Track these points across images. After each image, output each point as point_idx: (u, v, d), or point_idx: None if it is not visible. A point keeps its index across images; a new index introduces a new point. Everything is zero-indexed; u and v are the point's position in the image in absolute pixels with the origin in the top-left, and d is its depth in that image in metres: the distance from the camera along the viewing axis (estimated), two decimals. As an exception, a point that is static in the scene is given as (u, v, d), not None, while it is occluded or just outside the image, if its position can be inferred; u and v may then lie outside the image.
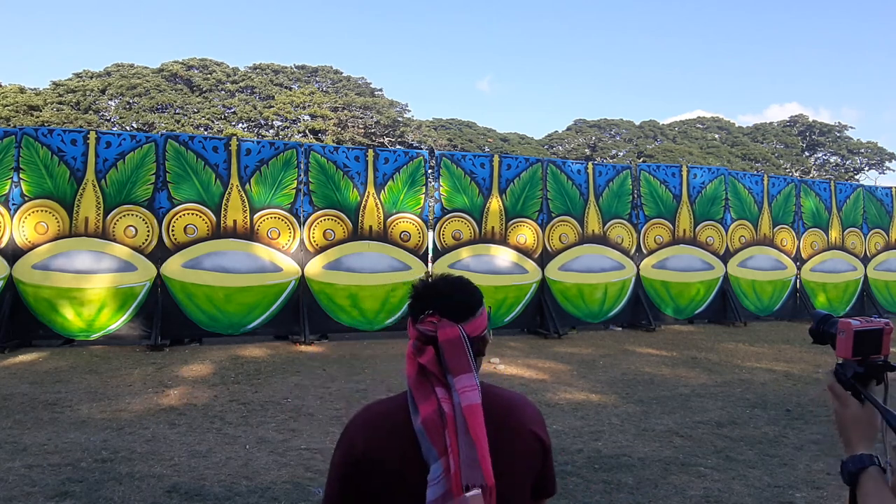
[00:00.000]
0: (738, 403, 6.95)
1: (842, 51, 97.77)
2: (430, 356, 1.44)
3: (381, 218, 10.99)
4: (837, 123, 56.31)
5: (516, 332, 11.74)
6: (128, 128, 42.05)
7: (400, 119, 48.25)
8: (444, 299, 1.50)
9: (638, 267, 12.72)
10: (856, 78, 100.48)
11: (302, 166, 10.67)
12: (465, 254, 11.42)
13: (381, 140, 45.87)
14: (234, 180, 10.24)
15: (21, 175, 9.45)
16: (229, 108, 46.12)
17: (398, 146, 43.95)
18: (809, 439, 5.65)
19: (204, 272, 10.02)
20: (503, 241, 11.70)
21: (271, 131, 45.99)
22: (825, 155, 57.08)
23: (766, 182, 14.30)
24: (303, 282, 10.52)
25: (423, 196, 11.35)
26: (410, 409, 1.43)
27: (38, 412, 6.08)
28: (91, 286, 9.54)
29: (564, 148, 55.04)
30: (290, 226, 10.53)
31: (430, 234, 11.36)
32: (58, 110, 40.87)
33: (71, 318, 9.49)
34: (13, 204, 9.42)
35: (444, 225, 11.39)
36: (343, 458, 1.48)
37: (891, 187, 15.95)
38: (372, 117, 46.87)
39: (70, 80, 44.11)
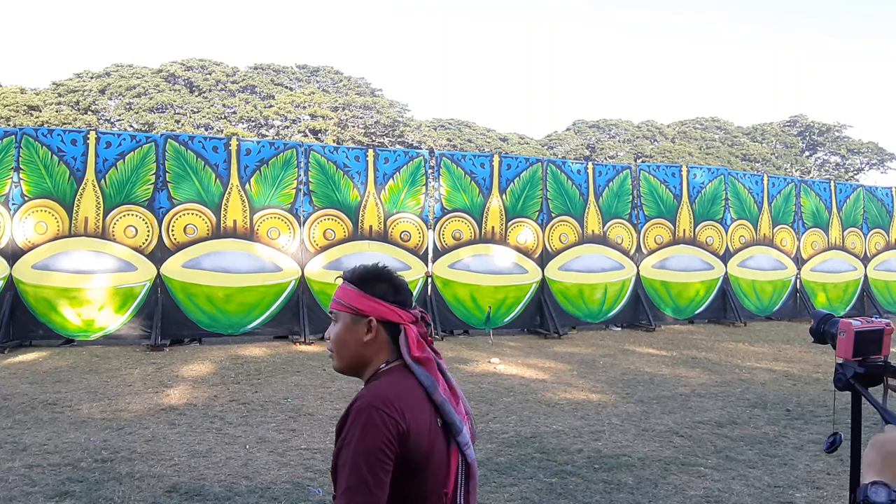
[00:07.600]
0: (738, 403, 6.95)
1: (841, 50, 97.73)
2: (422, 337, 1.61)
3: (382, 218, 10.99)
4: (837, 123, 56.18)
5: (516, 332, 11.75)
6: (127, 128, 42.02)
7: (400, 119, 48.23)
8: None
9: (638, 267, 12.72)
10: (855, 77, 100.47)
11: (302, 166, 10.67)
12: (465, 254, 11.42)
13: (381, 140, 45.85)
14: (234, 180, 10.24)
15: (21, 175, 9.45)
16: (230, 108, 46.12)
17: (398, 146, 43.91)
18: (809, 439, 5.65)
19: (204, 272, 10.02)
20: (503, 241, 11.70)
21: (272, 131, 45.99)
22: (825, 155, 56.99)
23: (766, 182, 14.30)
24: (303, 282, 10.52)
25: (423, 196, 11.35)
26: (426, 383, 1.57)
27: (38, 412, 6.08)
28: (91, 286, 9.53)
29: (564, 148, 54.99)
30: (290, 226, 10.53)
31: (431, 233, 11.36)
32: (57, 110, 40.86)
33: (71, 317, 9.48)
34: (13, 204, 9.41)
35: (445, 225, 11.39)
36: (388, 437, 1.44)
37: (891, 187, 15.95)
38: (372, 117, 46.87)
39: (70, 80, 44.14)
